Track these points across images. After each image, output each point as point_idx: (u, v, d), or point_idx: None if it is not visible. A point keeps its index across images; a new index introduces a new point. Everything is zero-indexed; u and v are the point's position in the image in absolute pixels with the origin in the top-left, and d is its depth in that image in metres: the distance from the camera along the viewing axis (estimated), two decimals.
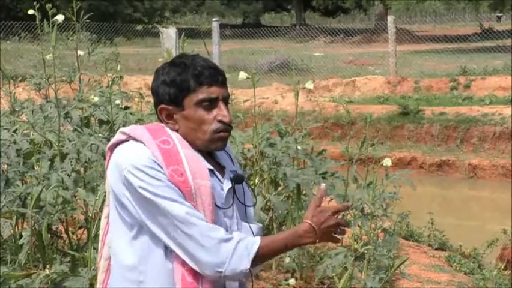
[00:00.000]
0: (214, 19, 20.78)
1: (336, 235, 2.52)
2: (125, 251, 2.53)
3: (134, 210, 2.49)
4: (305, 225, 2.49)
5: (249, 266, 2.42)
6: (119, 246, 2.56)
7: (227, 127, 2.56)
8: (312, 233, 2.48)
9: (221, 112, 2.55)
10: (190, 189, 2.46)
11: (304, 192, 5.89)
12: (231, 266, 2.42)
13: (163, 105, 2.58)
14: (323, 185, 2.59)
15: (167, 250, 2.49)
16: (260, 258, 2.46)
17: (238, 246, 2.43)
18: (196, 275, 2.46)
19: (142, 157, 2.47)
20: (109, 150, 2.61)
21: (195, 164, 2.49)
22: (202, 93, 2.53)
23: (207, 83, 2.53)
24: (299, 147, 5.88)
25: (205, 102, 2.53)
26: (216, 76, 2.56)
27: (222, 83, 2.58)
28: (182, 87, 2.54)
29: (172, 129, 2.57)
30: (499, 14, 42.41)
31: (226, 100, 2.58)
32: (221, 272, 2.41)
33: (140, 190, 2.45)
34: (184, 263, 2.46)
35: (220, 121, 2.54)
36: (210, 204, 2.48)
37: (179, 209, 2.43)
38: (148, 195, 2.44)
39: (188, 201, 2.45)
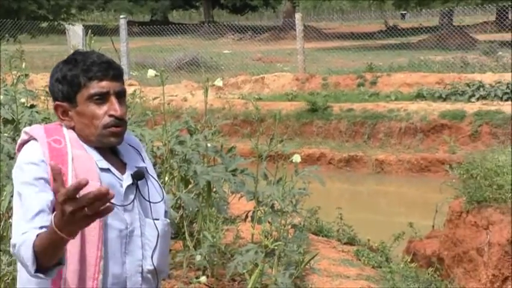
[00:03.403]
0: (121, 16, 20.58)
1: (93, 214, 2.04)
2: None
3: None
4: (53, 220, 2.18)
5: (30, 257, 2.25)
6: None
7: (119, 122, 2.54)
8: (57, 229, 2.10)
9: (112, 106, 2.53)
10: None
11: (214, 189, 5.89)
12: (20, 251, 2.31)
13: (58, 102, 2.57)
14: (52, 163, 2.24)
15: None
16: (38, 253, 2.25)
17: (24, 242, 2.29)
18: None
19: (29, 155, 2.47)
20: (18, 152, 2.58)
21: (83, 165, 2.48)
22: (93, 88, 2.52)
23: (97, 77, 2.52)
24: (209, 145, 5.87)
25: (96, 97, 2.52)
26: (107, 70, 2.54)
27: (115, 77, 2.56)
28: (73, 83, 2.53)
29: (68, 126, 2.57)
30: (403, 12, 43.46)
31: (119, 95, 2.56)
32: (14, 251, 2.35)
33: (13, 182, 2.47)
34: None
35: (111, 115, 2.52)
36: None
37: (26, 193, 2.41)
38: (15, 184, 2.46)
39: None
